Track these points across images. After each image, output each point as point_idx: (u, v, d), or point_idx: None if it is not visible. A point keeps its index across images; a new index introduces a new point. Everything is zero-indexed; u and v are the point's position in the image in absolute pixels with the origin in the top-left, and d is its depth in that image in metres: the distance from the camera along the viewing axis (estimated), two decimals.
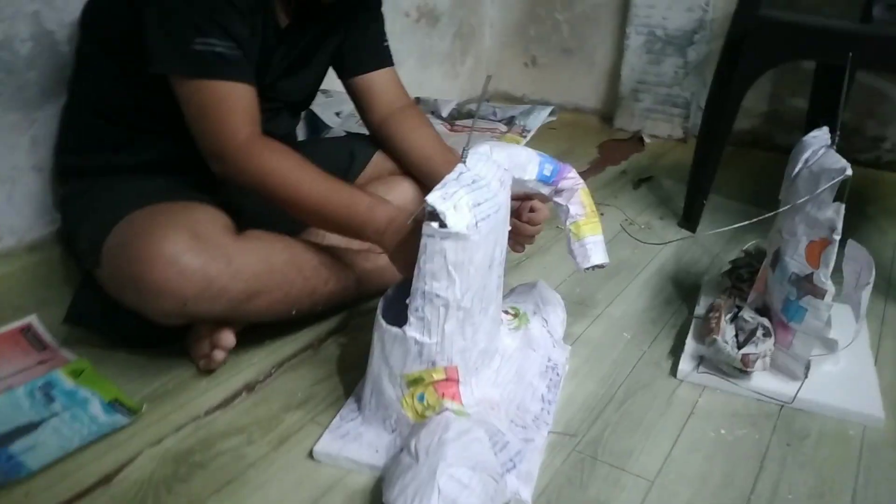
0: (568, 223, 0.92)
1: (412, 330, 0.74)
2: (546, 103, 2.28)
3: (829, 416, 0.88)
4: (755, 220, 0.93)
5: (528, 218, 0.98)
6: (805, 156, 0.93)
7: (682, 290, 1.19)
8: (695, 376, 0.94)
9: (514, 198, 0.98)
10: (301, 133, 1.72)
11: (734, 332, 0.93)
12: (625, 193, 1.65)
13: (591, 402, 0.90)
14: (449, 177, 0.74)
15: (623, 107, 2.14)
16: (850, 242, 0.98)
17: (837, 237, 0.85)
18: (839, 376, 0.93)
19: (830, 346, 0.95)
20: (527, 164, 0.88)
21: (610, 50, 2.18)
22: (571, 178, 0.91)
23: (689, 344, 0.99)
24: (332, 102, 1.68)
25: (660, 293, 1.19)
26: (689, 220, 1.44)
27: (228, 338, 0.90)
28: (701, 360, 0.96)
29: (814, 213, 0.87)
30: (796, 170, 0.92)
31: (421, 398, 0.77)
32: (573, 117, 2.26)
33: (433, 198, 0.70)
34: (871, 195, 1.69)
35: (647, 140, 2.03)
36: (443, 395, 0.76)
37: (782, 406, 0.89)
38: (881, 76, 1.78)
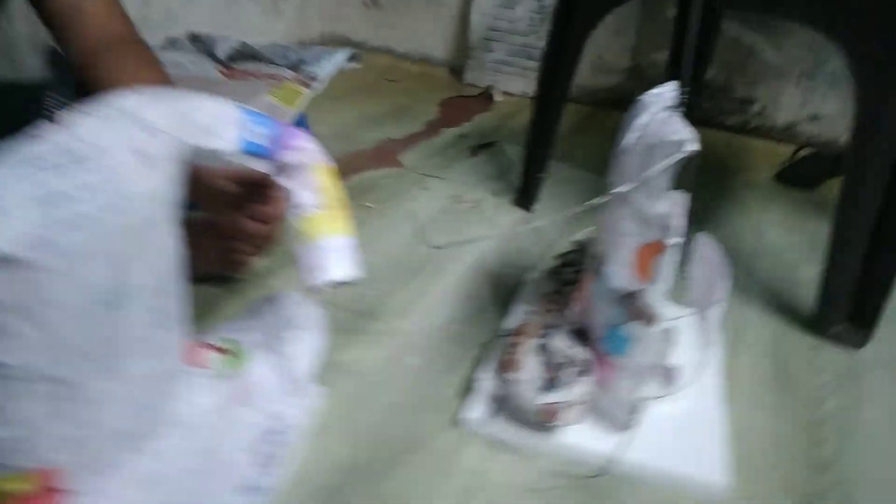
0: (294, 216, 0.61)
1: None
2: (389, 51, 1.97)
3: (661, 487, 0.64)
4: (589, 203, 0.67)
5: (258, 212, 0.67)
6: (641, 121, 0.66)
7: (503, 293, 0.92)
8: (486, 428, 0.67)
9: (240, 181, 0.67)
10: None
11: (542, 368, 0.67)
12: (460, 162, 1.37)
13: (331, 479, 0.61)
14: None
15: (474, 58, 1.85)
16: (701, 236, 0.75)
17: (674, 241, 0.59)
18: (679, 422, 0.69)
19: (669, 378, 0.71)
20: (220, 125, 0.55)
21: None
22: (301, 148, 0.60)
23: (483, 379, 0.72)
24: None
25: (474, 297, 0.91)
26: (525, 197, 1.17)
27: None
28: (500, 404, 0.69)
29: (645, 207, 0.61)
30: (626, 141, 0.66)
31: None
32: (419, 68, 1.95)
33: None
34: (735, 166, 1.49)
35: (497, 97, 1.75)
36: None
37: (597, 476, 0.64)
38: (750, 27, 1.57)
